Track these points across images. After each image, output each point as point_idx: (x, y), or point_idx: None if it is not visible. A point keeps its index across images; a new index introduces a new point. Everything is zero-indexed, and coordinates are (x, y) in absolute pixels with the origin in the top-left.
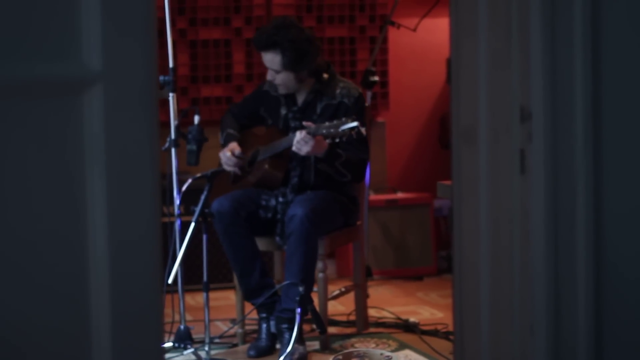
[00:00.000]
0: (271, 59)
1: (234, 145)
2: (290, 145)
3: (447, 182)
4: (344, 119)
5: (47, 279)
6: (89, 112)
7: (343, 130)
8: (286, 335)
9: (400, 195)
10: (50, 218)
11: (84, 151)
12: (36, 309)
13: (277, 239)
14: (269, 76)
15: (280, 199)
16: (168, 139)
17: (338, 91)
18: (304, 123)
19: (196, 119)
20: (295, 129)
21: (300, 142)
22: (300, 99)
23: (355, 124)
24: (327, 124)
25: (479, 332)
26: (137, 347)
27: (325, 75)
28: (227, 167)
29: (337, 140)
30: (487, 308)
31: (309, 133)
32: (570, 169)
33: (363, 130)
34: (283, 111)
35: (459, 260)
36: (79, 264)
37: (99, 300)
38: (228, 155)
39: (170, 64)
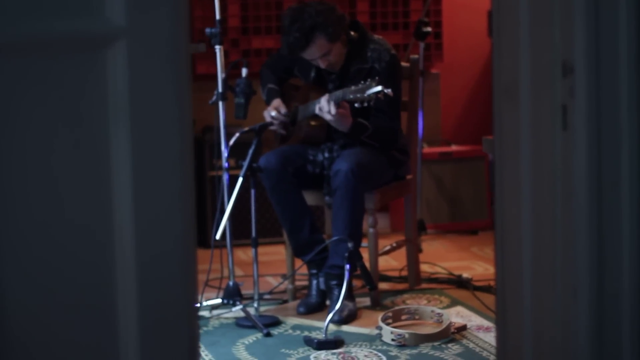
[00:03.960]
0: (318, 47)
1: (278, 103)
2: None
3: (492, 138)
4: (369, 82)
5: (70, 242)
6: (113, 68)
7: (369, 95)
8: (335, 292)
9: (454, 147)
10: (72, 179)
11: (107, 109)
12: (64, 267)
13: (326, 198)
14: (323, 64)
15: (327, 154)
16: (215, 92)
17: (369, 54)
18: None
19: (244, 71)
20: (332, 90)
21: (322, 110)
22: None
23: (379, 87)
24: (352, 88)
25: (521, 294)
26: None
27: (354, 34)
28: (273, 127)
29: (365, 104)
30: (529, 268)
31: (335, 100)
32: (615, 125)
33: (389, 92)
34: (312, 74)
35: (500, 218)
36: (102, 229)
37: (124, 269)
38: (274, 114)
39: (217, 16)
